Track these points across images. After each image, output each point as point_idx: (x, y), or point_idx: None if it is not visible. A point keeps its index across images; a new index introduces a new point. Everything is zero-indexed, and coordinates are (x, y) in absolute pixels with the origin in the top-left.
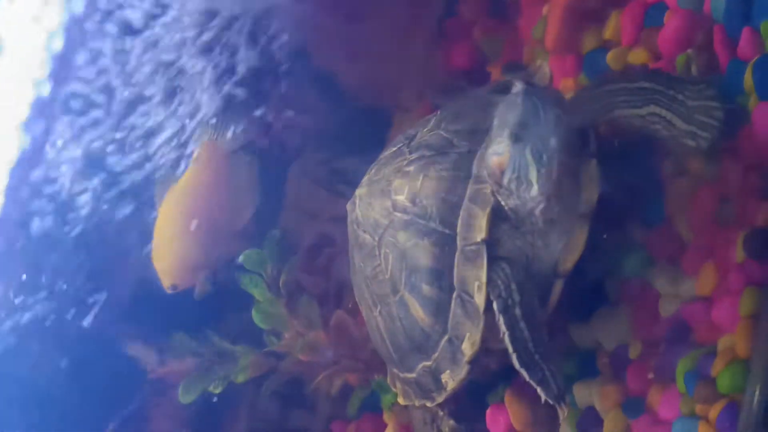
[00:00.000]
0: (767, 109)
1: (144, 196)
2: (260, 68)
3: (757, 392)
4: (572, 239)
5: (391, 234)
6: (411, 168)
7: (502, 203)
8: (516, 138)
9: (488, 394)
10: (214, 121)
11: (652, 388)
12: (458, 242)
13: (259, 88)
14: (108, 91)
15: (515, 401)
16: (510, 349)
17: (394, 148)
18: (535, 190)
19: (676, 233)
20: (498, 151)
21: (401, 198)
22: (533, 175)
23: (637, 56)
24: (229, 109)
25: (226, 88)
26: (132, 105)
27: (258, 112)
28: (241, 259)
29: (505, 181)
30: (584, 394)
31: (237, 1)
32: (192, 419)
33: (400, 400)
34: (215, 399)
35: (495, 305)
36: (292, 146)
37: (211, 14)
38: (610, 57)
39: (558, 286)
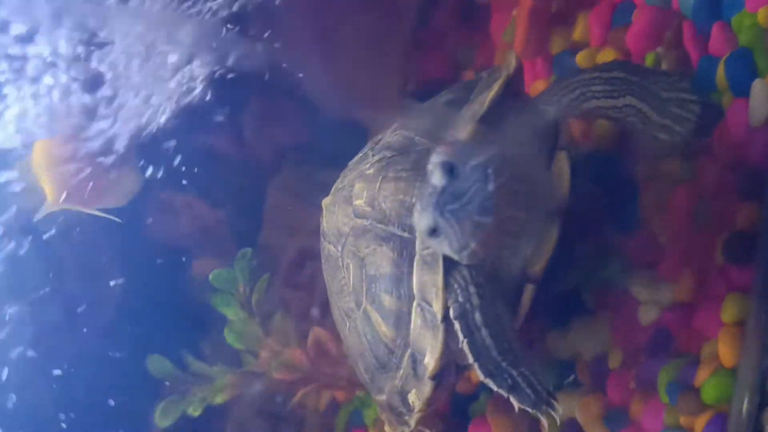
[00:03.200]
0: (742, 105)
1: None
2: (234, 81)
3: (745, 402)
4: (542, 240)
5: (351, 242)
6: (371, 171)
7: None
8: (433, 231)
9: (470, 408)
10: None
11: (634, 398)
12: (417, 246)
13: (233, 102)
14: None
15: (496, 414)
16: (470, 359)
17: (361, 154)
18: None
19: (652, 237)
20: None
21: (360, 203)
22: (467, 241)
23: (606, 56)
24: None
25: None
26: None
27: (232, 129)
28: (210, 278)
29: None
30: (565, 405)
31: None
32: None
33: (386, 430)
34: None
35: (451, 311)
36: (269, 162)
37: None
38: (579, 58)
39: (529, 292)
